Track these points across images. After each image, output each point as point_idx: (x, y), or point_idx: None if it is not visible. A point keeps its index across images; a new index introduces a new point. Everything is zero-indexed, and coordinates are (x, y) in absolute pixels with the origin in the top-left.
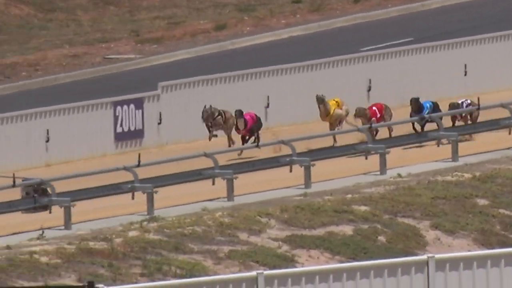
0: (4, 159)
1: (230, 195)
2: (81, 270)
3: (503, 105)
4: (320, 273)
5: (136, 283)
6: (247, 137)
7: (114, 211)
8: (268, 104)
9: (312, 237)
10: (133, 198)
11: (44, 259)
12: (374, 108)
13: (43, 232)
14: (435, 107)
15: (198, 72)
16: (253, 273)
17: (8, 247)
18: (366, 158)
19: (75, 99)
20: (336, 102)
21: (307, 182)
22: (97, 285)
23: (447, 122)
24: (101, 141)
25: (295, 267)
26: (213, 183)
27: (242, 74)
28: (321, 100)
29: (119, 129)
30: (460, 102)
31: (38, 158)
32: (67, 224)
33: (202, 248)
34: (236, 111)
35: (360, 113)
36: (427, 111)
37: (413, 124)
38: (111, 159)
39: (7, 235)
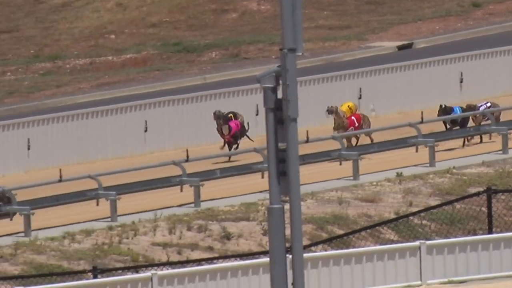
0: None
1: None
2: None
3: None
4: None
5: None
6: (233, 144)
7: None
8: None
9: None
10: None
11: None
12: (352, 118)
13: None
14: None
15: None
16: None
17: None
18: None
19: None
20: (349, 107)
21: None
22: None
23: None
24: None
25: None
26: None
27: None
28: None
29: None
30: (479, 105)
31: None
32: None
33: None
34: (221, 119)
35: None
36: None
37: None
38: None
39: None
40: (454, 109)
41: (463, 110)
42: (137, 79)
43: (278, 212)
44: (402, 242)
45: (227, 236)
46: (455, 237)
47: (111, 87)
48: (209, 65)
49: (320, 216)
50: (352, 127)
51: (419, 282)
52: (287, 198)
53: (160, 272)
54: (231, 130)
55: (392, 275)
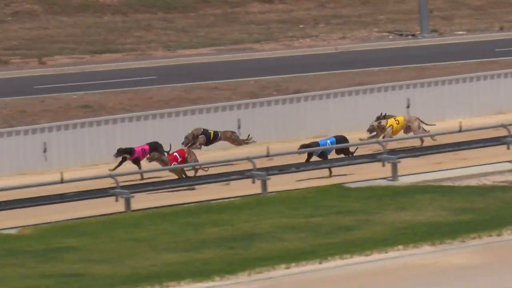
0: None
1: None
2: None
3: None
4: None
5: None
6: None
7: None
8: None
9: None
10: None
11: None
12: (175, 154)
13: None
14: (338, 142)
15: None
16: None
17: None
18: None
19: None
20: (397, 120)
21: None
22: None
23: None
24: None
25: None
26: None
27: None
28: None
29: None
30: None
31: None
32: None
33: None
34: (195, 138)
35: (154, 157)
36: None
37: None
38: None
39: None
40: (321, 142)
41: (336, 140)
42: None
43: None
44: None
45: None
46: None
47: None
48: None
49: None
50: (175, 162)
51: None
52: None
53: None
54: (134, 153)
55: None
